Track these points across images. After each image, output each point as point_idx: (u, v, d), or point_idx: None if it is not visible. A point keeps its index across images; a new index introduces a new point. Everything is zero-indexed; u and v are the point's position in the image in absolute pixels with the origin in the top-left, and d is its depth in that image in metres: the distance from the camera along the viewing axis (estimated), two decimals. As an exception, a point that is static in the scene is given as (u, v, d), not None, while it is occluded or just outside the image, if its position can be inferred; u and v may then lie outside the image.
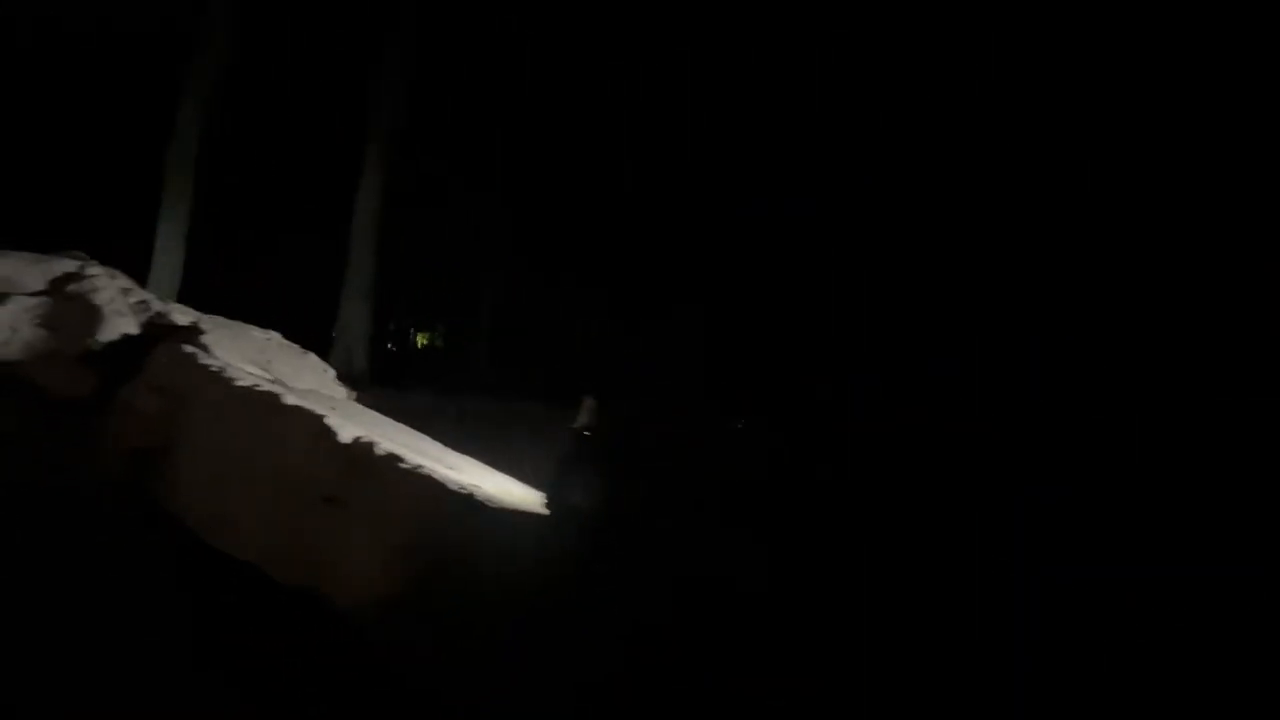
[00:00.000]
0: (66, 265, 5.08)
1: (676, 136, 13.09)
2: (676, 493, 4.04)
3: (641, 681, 3.39)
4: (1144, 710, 3.29)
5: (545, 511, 4.04)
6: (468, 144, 14.75)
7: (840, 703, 3.32)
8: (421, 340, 17.57)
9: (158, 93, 11.90)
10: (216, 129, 11.76)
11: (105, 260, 5.34)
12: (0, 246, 5.10)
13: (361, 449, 3.91)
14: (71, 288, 4.94)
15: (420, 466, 3.88)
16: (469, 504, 3.78)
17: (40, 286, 4.92)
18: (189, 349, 4.53)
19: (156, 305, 5.09)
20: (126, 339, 4.80)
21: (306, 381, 5.06)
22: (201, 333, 4.82)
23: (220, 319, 5.19)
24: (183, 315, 5.06)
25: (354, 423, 4.20)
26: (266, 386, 4.30)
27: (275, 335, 5.47)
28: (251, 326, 5.37)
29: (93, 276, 5.02)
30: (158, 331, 4.86)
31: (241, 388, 4.24)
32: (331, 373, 5.57)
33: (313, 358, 5.62)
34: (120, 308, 4.91)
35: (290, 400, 4.17)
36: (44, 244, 5.37)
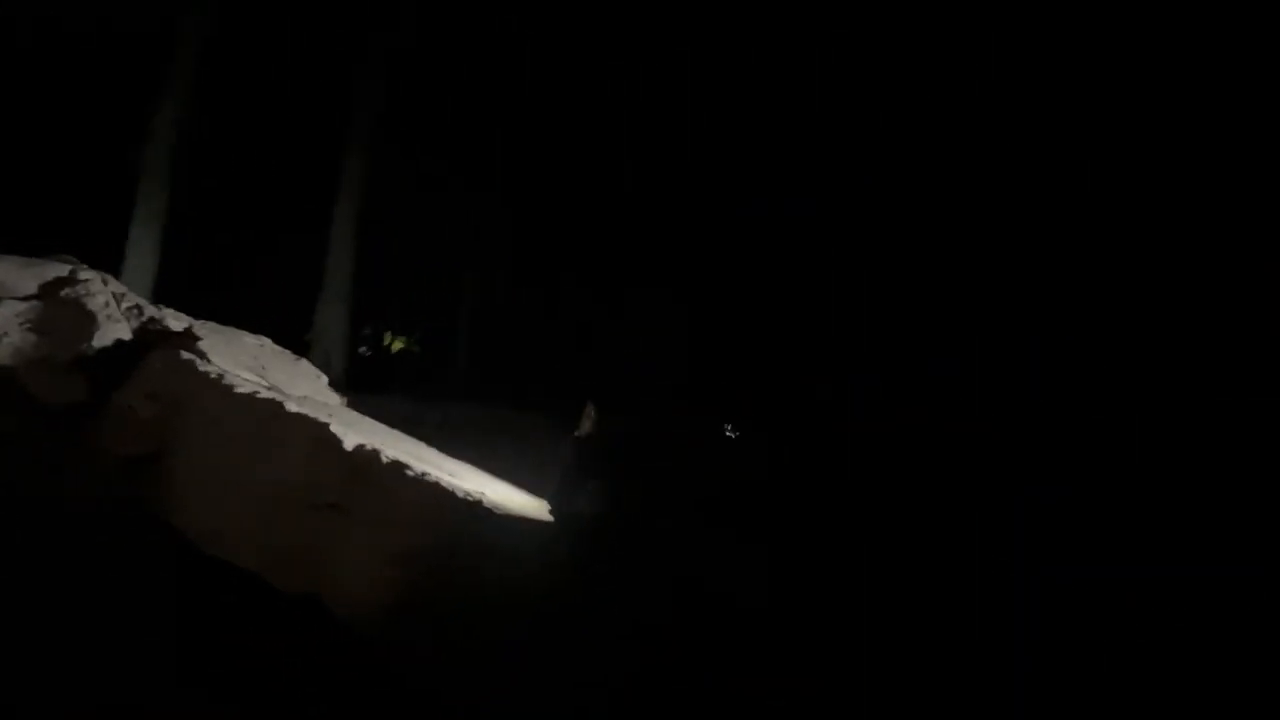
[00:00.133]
0: (58, 269, 5.03)
1: (674, 136, 13.07)
2: (676, 494, 4.04)
3: (641, 681, 3.39)
4: (1144, 710, 3.29)
5: (550, 518, 4.04)
6: (448, 143, 14.59)
7: (840, 703, 3.32)
8: (397, 344, 17.39)
9: (131, 91, 11.65)
10: (193, 128, 11.54)
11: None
12: None
13: (366, 456, 3.91)
14: (64, 292, 4.88)
15: (426, 474, 3.88)
16: (476, 511, 3.79)
17: (31, 291, 4.85)
18: (186, 355, 4.50)
19: (150, 310, 5.05)
20: (120, 344, 4.75)
21: (301, 388, 5.03)
22: (197, 339, 4.77)
23: (213, 324, 5.15)
24: (176, 321, 5.02)
25: (355, 430, 4.19)
26: (266, 393, 4.29)
27: (267, 341, 5.45)
28: (244, 332, 5.34)
29: (86, 281, 4.97)
30: (151, 337, 4.81)
31: (241, 395, 4.23)
32: (325, 379, 5.54)
33: (305, 364, 5.60)
34: (114, 313, 4.87)
35: (292, 408, 4.16)
36: (10, 245, 5.29)
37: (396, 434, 4.77)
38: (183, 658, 3.68)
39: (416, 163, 14.34)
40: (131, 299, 5.10)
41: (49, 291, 4.88)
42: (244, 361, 4.95)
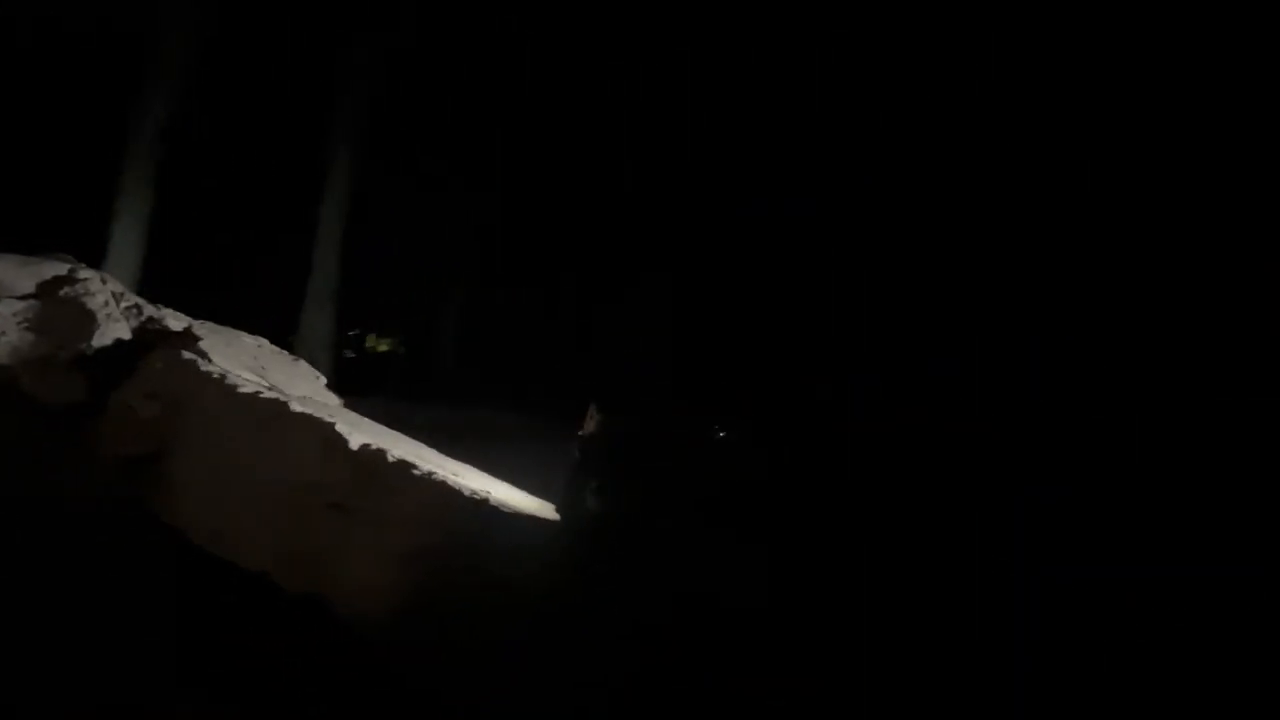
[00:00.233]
0: (56, 268, 5.00)
1: (674, 135, 13.06)
2: (676, 494, 4.04)
3: (641, 681, 3.39)
4: (1144, 710, 3.29)
5: (557, 517, 4.04)
6: (437, 142, 14.47)
7: (840, 703, 3.32)
8: (380, 346, 17.18)
9: (115, 88, 11.50)
10: (177, 127, 11.44)
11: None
12: None
13: (372, 456, 3.91)
14: (63, 291, 4.85)
15: (433, 473, 3.88)
16: (483, 510, 3.80)
17: (29, 289, 4.81)
18: (188, 355, 4.49)
19: (149, 310, 5.03)
20: (120, 344, 4.73)
21: (300, 389, 5.03)
22: (198, 339, 4.76)
23: (211, 325, 5.13)
24: (176, 320, 5.00)
25: (359, 430, 4.20)
26: (270, 394, 4.29)
27: (265, 342, 5.44)
28: (242, 333, 5.32)
29: (85, 280, 4.95)
30: (151, 337, 4.80)
31: (245, 395, 4.23)
32: (323, 380, 5.53)
33: (304, 365, 5.59)
34: (114, 312, 4.85)
35: (296, 408, 4.17)
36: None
37: (396, 434, 4.77)
38: (183, 658, 3.68)
39: (404, 163, 14.26)
40: (131, 298, 5.09)
41: (47, 290, 4.85)
42: (244, 362, 4.95)
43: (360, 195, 12.75)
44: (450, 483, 3.87)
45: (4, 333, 4.59)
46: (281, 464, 3.97)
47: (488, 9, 13.16)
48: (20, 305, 4.73)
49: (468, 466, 4.73)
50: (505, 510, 3.85)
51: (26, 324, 4.65)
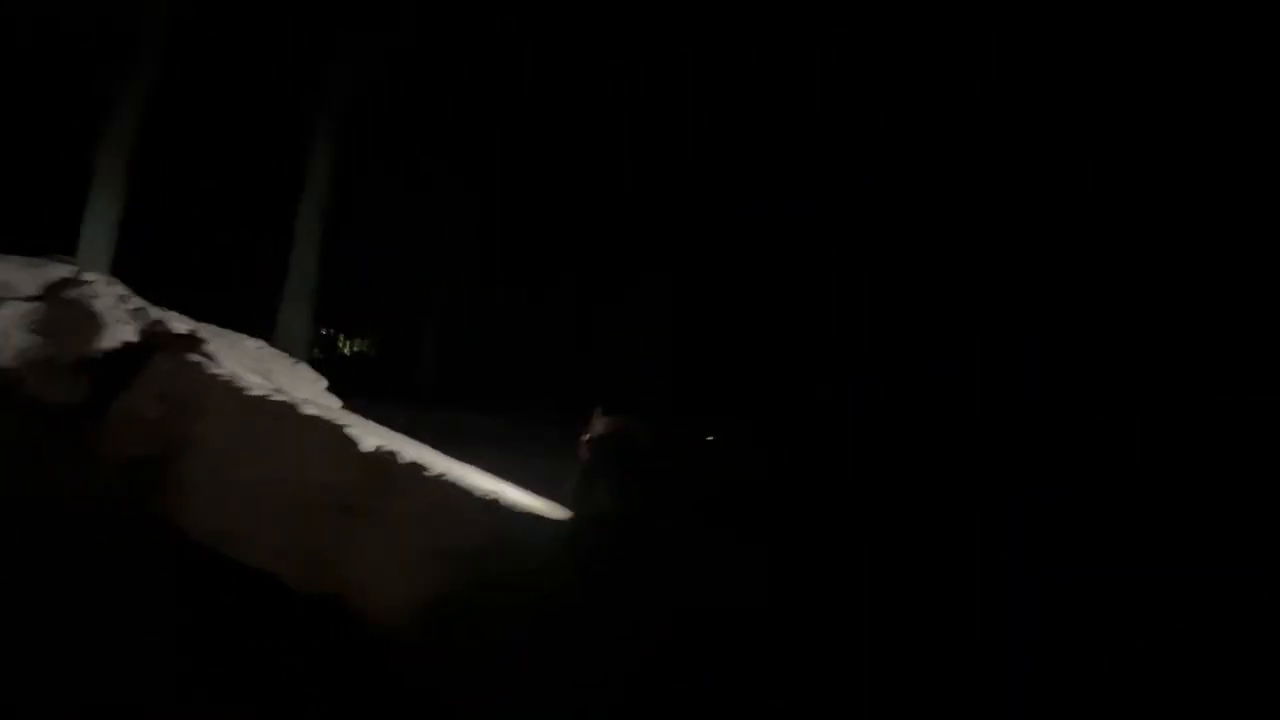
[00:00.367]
0: (61, 270, 5.00)
1: (674, 135, 13.05)
2: (676, 494, 4.05)
3: (642, 681, 3.40)
4: (1144, 710, 3.29)
5: (567, 518, 4.05)
6: (421, 141, 14.31)
7: (840, 703, 3.33)
8: (351, 347, 16.94)
9: (89, 86, 11.27)
10: (153, 124, 11.21)
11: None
12: None
13: (384, 458, 3.93)
14: (69, 293, 4.85)
15: (444, 475, 3.90)
16: (495, 510, 3.81)
17: (34, 291, 4.81)
18: (195, 357, 4.50)
19: (154, 312, 5.02)
20: (125, 346, 4.73)
21: (303, 391, 5.03)
22: (203, 341, 4.77)
23: (214, 327, 5.12)
24: (180, 323, 5.01)
25: (368, 432, 4.21)
26: (279, 396, 4.30)
27: (265, 344, 5.45)
28: (244, 335, 5.33)
29: (91, 282, 4.96)
30: (156, 339, 4.79)
31: (255, 397, 4.23)
32: (324, 382, 5.53)
33: (305, 367, 5.59)
34: (120, 314, 4.85)
35: (308, 410, 4.18)
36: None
37: (399, 436, 4.78)
38: (183, 658, 3.68)
39: (385, 163, 14.08)
40: (136, 301, 5.08)
41: (52, 292, 4.85)
42: (248, 364, 4.96)
43: (340, 195, 12.55)
44: (462, 484, 3.88)
45: (9, 335, 4.60)
46: (293, 466, 3.99)
47: (484, 6, 13.07)
48: (25, 307, 4.73)
49: (470, 467, 4.73)
50: (517, 511, 3.86)
51: (32, 326, 4.66)
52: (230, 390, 4.27)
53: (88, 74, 11.53)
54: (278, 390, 4.48)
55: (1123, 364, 6.57)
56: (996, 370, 6.79)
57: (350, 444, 3.97)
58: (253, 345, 5.33)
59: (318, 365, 5.77)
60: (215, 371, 4.39)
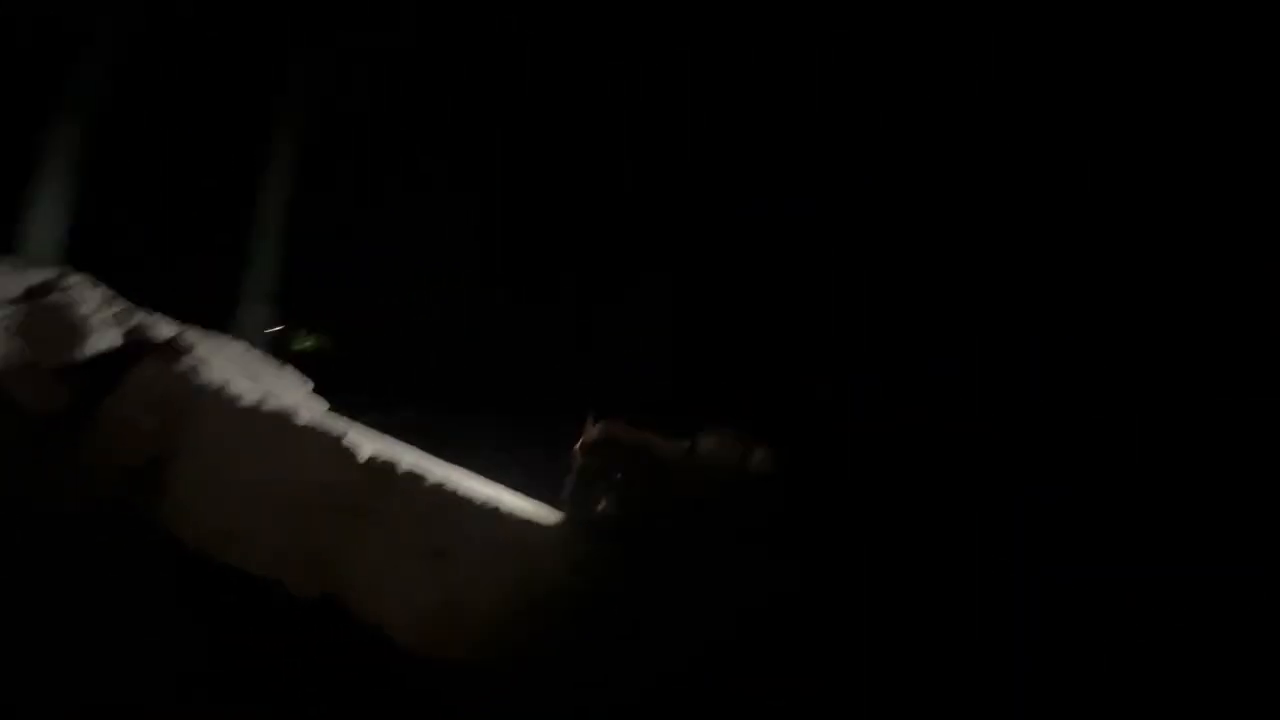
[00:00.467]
0: (44, 272, 4.87)
1: (673, 135, 13.04)
2: (675, 495, 4.04)
3: (642, 681, 3.40)
4: (1144, 710, 3.29)
5: (564, 522, 4.05)
6: (394, 136, 14.11)
7: (840, 703, 3.33)
8: (304, 344, 16.61)
9: (39, 68, 10.97)
10: (106, 107, 10.40)
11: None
12: None
13: (382, 466, 3.93)
14: (52, 297, 4.75)
15: (443, 482, 3.90)
16: (495, 516, 3.82)
17: (16, 294, 4.65)
18: (185, 362, 4.44)
19: (140, 315, 4.89)
20: (110, 350, 4.61)
21: (291, 395, 4.98)
22: (191, 344, 4.68)
23: (199, 330, 5.03)
24: (166, 326, 4.89)
25: (365, 438, 4.20)
26: (273, 402, 4.28)
27: (249, 346, 5.38)
28: (227, 337, 5.23)
29: (75, 286, 4.86)
30: (143, 344, 4.69)
31: (249, 404, 4.20)
32: (309, 385, 5.46)
33: (290, 371, 5.50)
34: (105, 318, 4.72)
35: (305, 417, 4.16)
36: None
37: (390, 439, 4.77)
38: (183, 658, 3.68)
39: (360, 156, 13.83)
40: (120, 303, 4.95)
41: (35, 295, 4.69)
42: (237, 368, 4.88)
43: (302, 187, 12.23)
44: (461, 490, 3.89)
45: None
46: (290, 473, 3.97)
47: (482, 5, 12.95)
48: (7, 310, 4.61)
49: (460, 470, 4.73)
50: (516, 516, 3.87)
51: (14, 330, 4.52)
52: (222, 396, 4.22)
53: (38, 60, 11.15)
54: (271, 395, 4.44)
55: (1122, 364, 6.57)
56: (996, 370, 6.79)
57: (349, 451, 3.97)
58: (238, 348, 5.23)
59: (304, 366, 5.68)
60: (204, 377, 4.34)
